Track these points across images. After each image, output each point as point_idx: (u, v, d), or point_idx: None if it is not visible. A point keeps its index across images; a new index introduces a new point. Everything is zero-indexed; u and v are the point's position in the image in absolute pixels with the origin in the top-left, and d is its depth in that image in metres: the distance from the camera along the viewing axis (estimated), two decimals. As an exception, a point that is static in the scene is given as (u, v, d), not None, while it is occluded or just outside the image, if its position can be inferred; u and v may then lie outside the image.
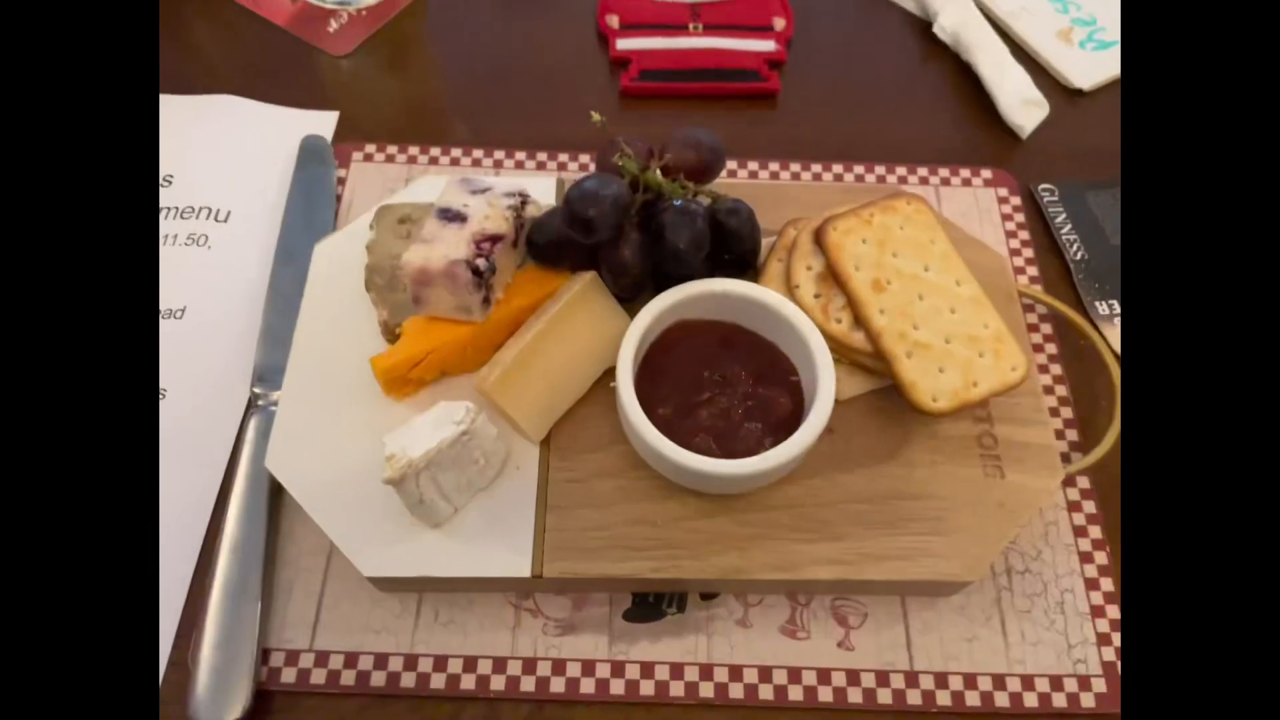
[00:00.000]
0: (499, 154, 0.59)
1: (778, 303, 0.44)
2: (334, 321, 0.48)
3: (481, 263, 0.42)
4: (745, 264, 0.48)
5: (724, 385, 0.43)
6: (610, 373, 0.44)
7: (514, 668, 0.42)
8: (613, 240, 0.43)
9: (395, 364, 0.43)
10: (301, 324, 0.48)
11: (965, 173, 0.60)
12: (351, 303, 0.48)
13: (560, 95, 0.63)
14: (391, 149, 0.59)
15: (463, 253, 0.42)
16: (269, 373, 0.49)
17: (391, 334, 0.46)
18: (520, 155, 0.59)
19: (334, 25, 0.65)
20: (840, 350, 0.46)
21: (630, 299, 0.45)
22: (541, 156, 0.59)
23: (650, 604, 0.44)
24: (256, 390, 0.49)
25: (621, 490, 0.43)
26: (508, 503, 0.43)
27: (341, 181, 0.58)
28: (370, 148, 0.59)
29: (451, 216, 0.44)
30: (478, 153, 0.59)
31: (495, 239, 0.43)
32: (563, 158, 0.59)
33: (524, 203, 0.45)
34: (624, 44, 0.65)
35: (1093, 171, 0.60)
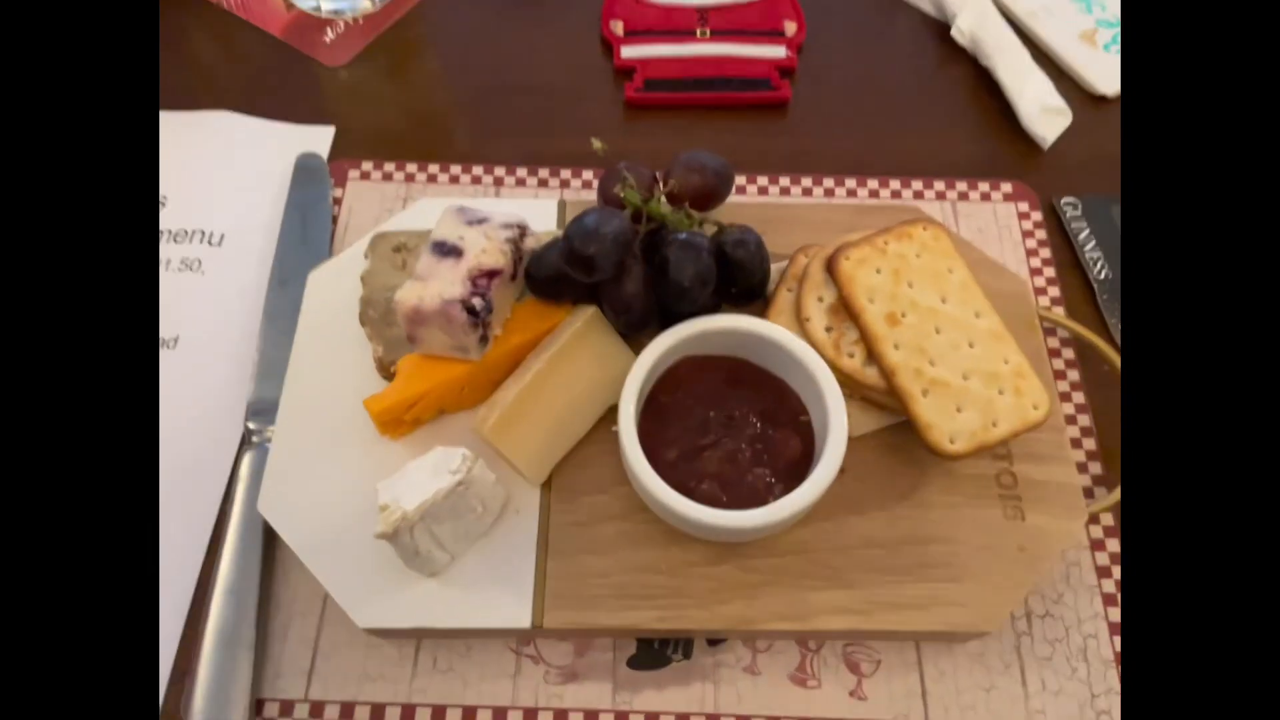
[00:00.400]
0: (499, 170, 0.57)
1: (786, 339, 0.42)
2: (329, 355, 0.46)
3: (477, 301, 0.40)
4: (754, 294, 0.46)
5: (731, 426, 0.41)
6: (614, 411, 0.42)
7: (514, 718, 0.41)
8: (614, 276, 0.41)
9: (390, 406, 0.42)
10: (295, 358, 0.46)
11: (984, 186, 0.58)
12: (347, 335, 0.47)
13: (563, 107, 0.61)
14: (389, 166, 0.57)
15: (458, 291, 0.40)
16: (264, 406, 0.47)
17: (386, 371, 0.44)
18: (521, 172, 0.57)
19: (330, 35, 0.63)
20: (852, 386, 0.44)
21: (634, 335, 0.44)
22: (543, 173, 0.57)
23: (655, 650, 0.43)
24: (251, 425, 0.47)
25: (625, 535, 0.42)
26: (507, 549, 0.41)
27: (338, 201, 0.56)
28: (367, 165, 0.57)
29: (447, 251, 0.42)
30: (478, 169, 0.57)
31: (492, 274, 0.42)
32: (565, 174, 0.57)
33: (522, 234, 0.43)
34: (629, 51, 0.63)
35: (1117, 183, 0.58)
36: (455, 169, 0.57)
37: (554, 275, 0.42)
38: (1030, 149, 0.60)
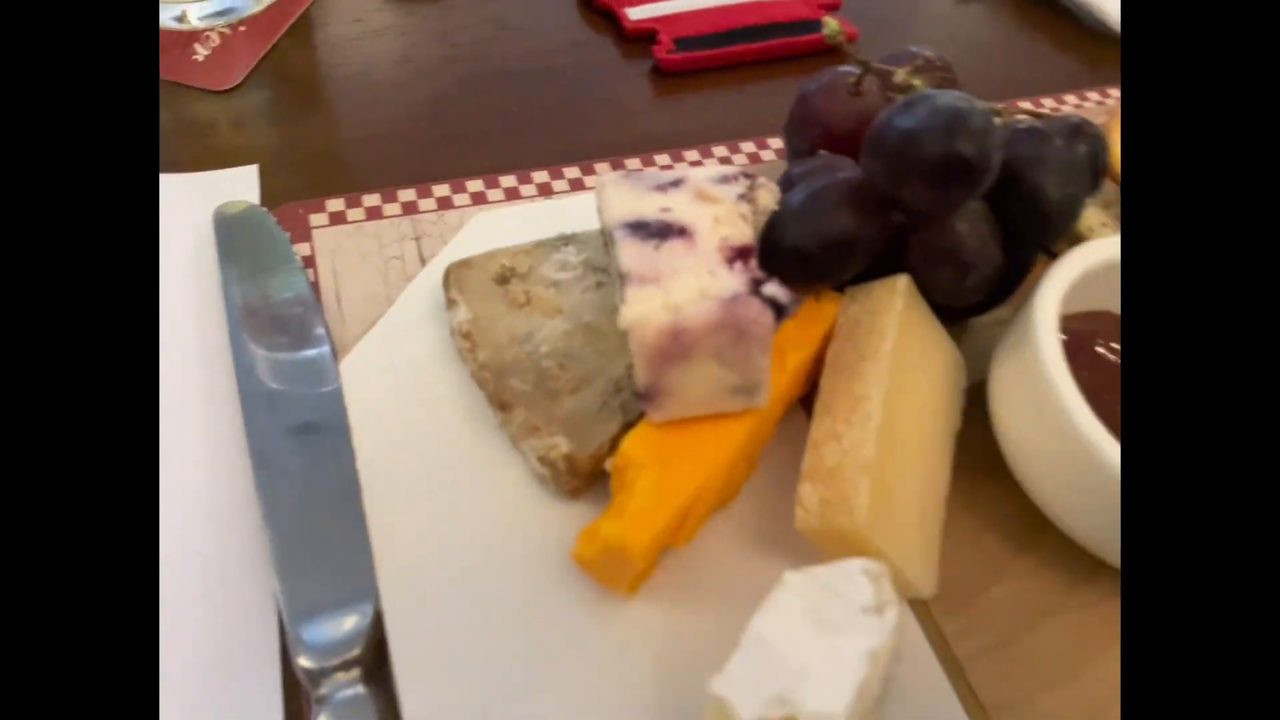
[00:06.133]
0: (508, 180, 0.38)
1: None
2: (438, 486, 0.25)
3: (776, 290, 0.22)
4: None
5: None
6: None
7: None
8: (936, 215, 0.25)
9: (659, 534, 0.21)
10: (378, 513, 0.25)
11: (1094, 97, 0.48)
12: (458, 442, 0.26)
13: (566, 91, 0.44)
14: (372, 199, 0.37)
15: (738, 282, 0.22)
16: (318, 625, 0.25)
17: (579, 473, 0.24)
18: (541, 175, 0.39)
19: (201, 52, 0.42)
20: None
21: (963, 312, 0.27)
22: (573, 172, 0.39)
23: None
24: (308, 665, 0.24)
25: (1083, 630, 0.24)
26: (919, 726, 0.22)
27: (307, 262, 0.35)
28: (335, 204, 0.37)
29: (655, 231, 0.24)
30: (475, 184, 0.38)
31: (745, 254, 0.24)
32: (602, 166, 0.40)
33: (753, 187, 0.26)
34: (638, 12, 0.47)
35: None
36: (476, 184, 0.38)
37: (848, 235, 0.25)
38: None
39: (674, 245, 0.23)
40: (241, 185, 0.38)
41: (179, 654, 0.25)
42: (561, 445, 0.24)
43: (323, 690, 0.24)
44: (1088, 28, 0.52)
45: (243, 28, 0.43)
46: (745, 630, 0.20)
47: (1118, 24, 0.51)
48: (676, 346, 0.21)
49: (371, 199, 0.37)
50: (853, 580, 0.20)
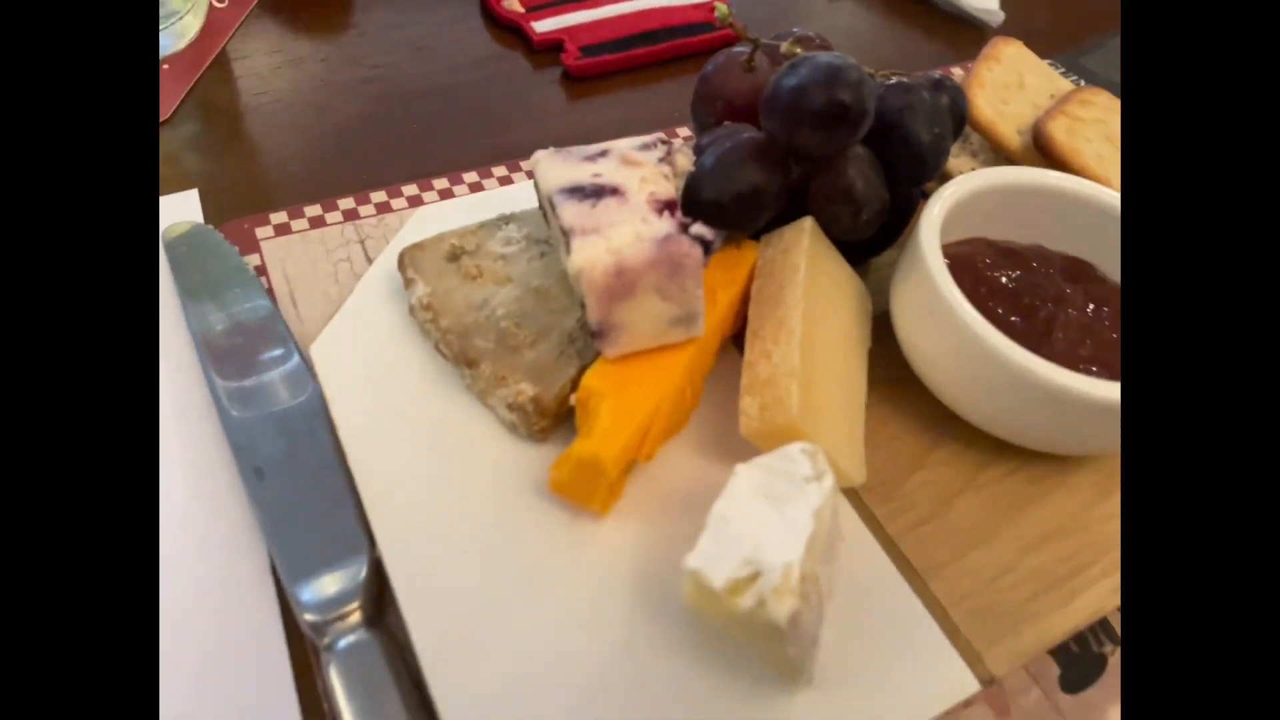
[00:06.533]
0: (440, 183, 0.41)
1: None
2: (418, 446, 0.28)
3: (702, 230, 0.26)
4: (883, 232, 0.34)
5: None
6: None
7: None
8: (827, 158, 0.29)
9: (624, 445, 0.25)
10: (364, 473, 0.27)
11: (958, 72, 0.53)
12: (424, 407, 0.28)
13: (478, 102, 0.47)
14: (313, 210, 0.39)
15: (670, 226, 0.25)
16: (316, 583, 0.27)
17: (549, 413, 0.27)
18: (471, 176, 0.42)
19: (126, 88, 0.44)
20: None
21: (866, 246, 0.31)
22: (501, 170, 0.43)
23: (1080, 654, 0.29)
24: (311, 619, 0.26)
25: (993, 501, 0.28)
26: (862, 597, 0.26)
27: (260, 271, 0.36)
28: (279, 216, 0.39)
29: (591, 192, 0.27)
30: (410, 189, 0.41)
31: (670, 205, 0.27)
32: (527, 165, 0.43)
33: (669, 151, 0.29)
34: (544, 25, 0.51)
35: (1077, 30, 0.57)
36: (411, 189, 0.41)
37: (756, 186, 0.28)
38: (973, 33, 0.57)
39: (608, 202, 0.26)
40: (184, 210, 0.39)
41: (184, 636, 0.27)
42: (527, 390, 0.27)
43: (328, 639, 0.26)
44: (948, 14, 0.58)
45: (166, 65, 0.45)
46: (709, 515, 0.23)
47: (973, 10, 0.57)
48: (621, 284, 0.25)
49: (313, 209, 0.39)
50: (793, 459, 0.23)
